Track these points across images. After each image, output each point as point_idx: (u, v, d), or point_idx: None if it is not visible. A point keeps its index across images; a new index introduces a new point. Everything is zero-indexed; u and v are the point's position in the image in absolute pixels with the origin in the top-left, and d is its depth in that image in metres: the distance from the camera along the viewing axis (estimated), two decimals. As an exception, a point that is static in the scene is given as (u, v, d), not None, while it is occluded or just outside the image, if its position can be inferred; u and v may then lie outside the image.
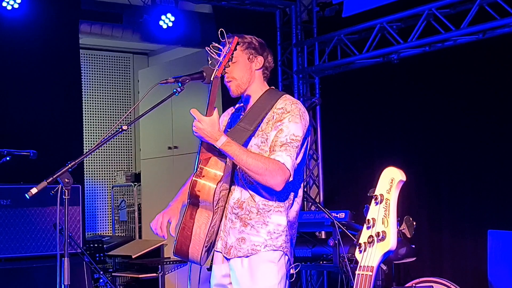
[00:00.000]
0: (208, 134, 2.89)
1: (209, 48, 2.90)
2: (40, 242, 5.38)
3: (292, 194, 3.07)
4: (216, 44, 2.91)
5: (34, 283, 5.27)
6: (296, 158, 2.96)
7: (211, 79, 2.90)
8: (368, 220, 1.96)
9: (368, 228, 1.96)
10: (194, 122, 2.90)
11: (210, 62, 2.92)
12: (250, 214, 3.02)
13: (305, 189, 6.87)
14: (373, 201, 1.97)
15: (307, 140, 3.08)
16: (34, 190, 2.66)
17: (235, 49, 2.93)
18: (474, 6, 5.40)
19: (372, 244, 1.93)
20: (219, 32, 2.88)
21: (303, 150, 3.04)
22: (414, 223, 2.13)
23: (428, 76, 6.06)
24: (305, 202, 6.79)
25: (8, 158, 4.73)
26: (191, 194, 2.98)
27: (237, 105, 3.28)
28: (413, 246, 4.83)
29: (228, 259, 3.09)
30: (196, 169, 2.99)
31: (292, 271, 3.10)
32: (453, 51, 5.77)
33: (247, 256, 3.02)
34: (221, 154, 2.97)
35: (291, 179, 2.93)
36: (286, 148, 2.93)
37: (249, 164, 2.88)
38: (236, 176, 3.08)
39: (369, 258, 1.93)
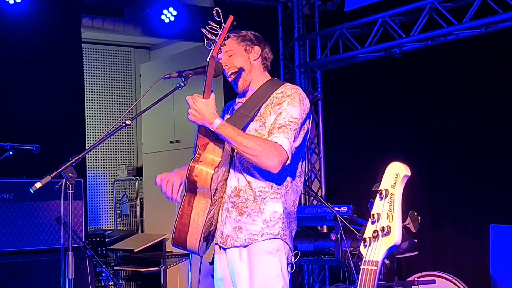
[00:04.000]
0: (202, 116, 2.88)
1: (204, 29, 2.89)
2: (43, 236, 5.39)
3: (289, 178, 3.04)
4: (213, 24, 2.89)
5: (37, 277, 5.28)
6: (294, 141, 2.94)
7: (207, 59, 2.88)
8: (373, 215, 1.96)
9: (373, 223, 1.96)
10: (190, 104, 2.90)
11: (205, 42, 2.91)
12: (247, 202, 3.01)
13: (307, 183, 6.88)
14: (377, 196, 1.97)
15: (307, 126, 3.06)
16: (38, 185, 2.67)
17: (231, 27, 2.91)
18: (477, 0, 5.39)
19: (377, 238, 1.93)
20: (214, 12, 2.87)
21: (302, 134, 3.02)
22: (419, 218, 2.13)
23: (430, 71, 6.05)
24: (307, 196, 6.80)
25: (11, 153, 4.74)
26: (189, 180, 2.96)
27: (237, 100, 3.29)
28: (415, 240, 4.84)
29: (224, 249, 3.08)
30: (194, 154, 2.98)
31: (292, 260, 3.06)
32: (456, 45, 5.76)
33: (245, 246, 3.01)
34: (218, 140, 2.96)
35: (288, 161, 2.91)
36: (284, 130, 2.91)
37: (244, 146, 2.86)
38: (234, 164, 3.07)
39: (374, 252, 1.93)
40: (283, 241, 3.00)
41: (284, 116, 2.94)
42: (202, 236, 2.99)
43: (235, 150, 2.99)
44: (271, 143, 2.88)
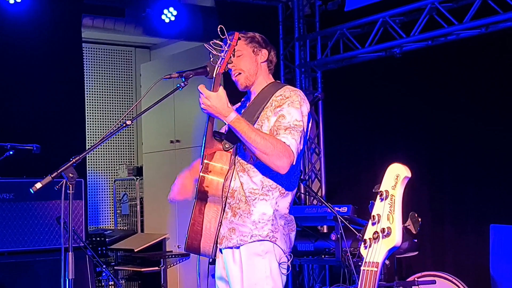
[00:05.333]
0: (217, 110, 2.87)
1: (209, 45, 2.90)
2: (43, 236, 5.39)
3: (285, 182, 3.05)
4: (217, 41, 2.90)
5: (36, 277, 5.28)
6: (300, 143, 2.95)
7: (214, 75, 2.90)
8: (373, 216, 1.97)
9: (373, 224, 1.96)
10: (201, 98, 2.88)
11: (211, 59, 2.92)
12: (240, 203, 3.03)
13: (307, 183, 6.88)
14: (378, 197, 1.97)
15: (308, 128, 3.07)
16: (38, 185, 2.66)
17: (236, 44, 2.94)
18: (477, 0, 5.39)
19: (377, 240, 1.93)
20: (218, 29, 2.87)
21: (303, 137, 3.03)
22: (420, 219, 2.13)
23: (430, 70, 6.05)
24: (307, 196, 6.80)
25: (11, 152, 4.75)
26: (200, 190, 3.01)
27: (241, 100, 3.30)
28: (415, 240, 4.84)
29: (220, 250, 3.10)
30: (202, 165, 3.01)
31: (286, 261, 3.04)
32: (456, 45, 5.76)
33: (237, 247, 3.02)
34: (224, 148, 2.99)
35: (294, 163, 2.92)
36: (291, 131, 2.92)
37: (258, 143, 2.85)
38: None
39: (374, 254, 1.93)
40: (273, 243, 3.00)
41: (288, 120, 2.95)
42: (215, 242, 3.05)
43: (236, 154, 3.00)
44: (282, 143, 2.88)
